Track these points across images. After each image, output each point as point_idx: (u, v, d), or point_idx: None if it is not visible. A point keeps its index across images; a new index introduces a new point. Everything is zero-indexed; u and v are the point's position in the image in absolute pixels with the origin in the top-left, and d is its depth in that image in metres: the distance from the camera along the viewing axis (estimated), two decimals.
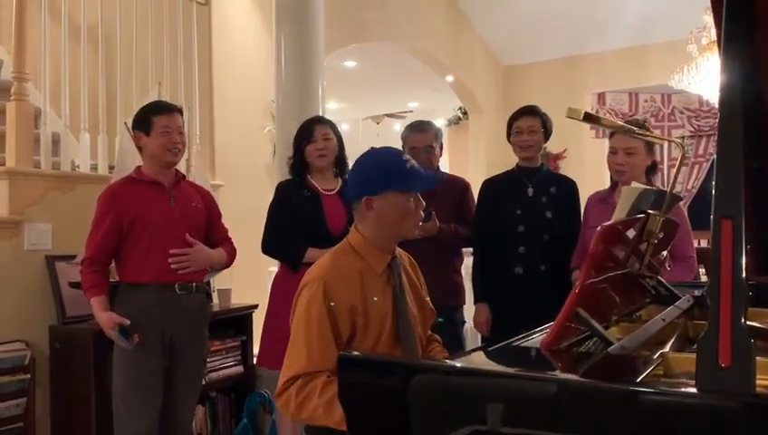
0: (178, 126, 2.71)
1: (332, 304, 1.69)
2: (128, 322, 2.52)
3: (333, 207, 2.92)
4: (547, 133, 3.10)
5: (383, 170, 1.76)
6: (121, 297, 2.64)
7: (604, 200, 2.79)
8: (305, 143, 2.94)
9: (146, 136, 2.68)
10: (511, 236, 2.98)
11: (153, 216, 2.63)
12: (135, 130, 2.73)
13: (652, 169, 2.81)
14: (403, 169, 1.76)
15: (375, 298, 1.76)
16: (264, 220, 3.00)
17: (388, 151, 1.85)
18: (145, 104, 2.88)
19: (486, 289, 3.09)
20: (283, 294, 2.89)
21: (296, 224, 2.89)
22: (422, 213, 1.82)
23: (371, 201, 1.77)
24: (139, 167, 2.77)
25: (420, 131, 3.20)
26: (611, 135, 2.79)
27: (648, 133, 2.39)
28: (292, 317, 1.77)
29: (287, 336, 2.87)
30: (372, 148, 1.89)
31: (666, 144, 7.32)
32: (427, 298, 2.00)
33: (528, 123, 3.04)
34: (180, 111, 2.79)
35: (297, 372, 1.64)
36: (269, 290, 3.06)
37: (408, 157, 1.81)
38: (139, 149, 2.76)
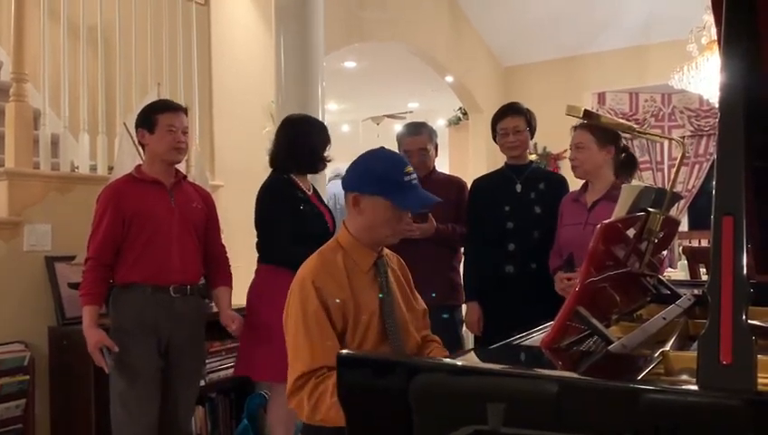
0: (183, 125, 2.70)
1: (325, 300, 1.70)
2: (116, 348, 2.49)
3: (320, 206, 2.91)
4: (532, 130, 3.08)
5: (379, 176, 1.75)
6: (116, 300, 2.62)
7: (576, 200, 2.77)
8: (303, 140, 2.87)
9: (149, 134, 2.67)
10: (500, 233, 2.96)
11: (154, 214, 2.61)
12: (138, 128, 2.72)
13: (626, 164, 2.72)
14: (399, 183, 1.74)
15: (348, 296, 1.75)
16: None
17: (393, 158, 1.82)
18: (150, 102, 2.86)
19: (477, 288, 3.08)
20: (260, 299, 2.81)
21: (303, 226, 2.79)
22: (409, 222, 1.80)
23: (359, 199, 1.78)
24: (139, 166, 2.76)
25: (414, 134, 3.19)
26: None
27: (646, 132, 2.38)
28: (285, 319, 1.76)
29: (260, 343, 2.74)
30: (382, 148, 1.85)
31: (666, 143, 7.33)
32: (419, 298, 2.00)
33: (513, 124, 3.02)
34: (185, 111, 2.77)
35: (303, 369, 1.65)
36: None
37: (410, 171, 1.77)
38: (143, 146, 2.76)
